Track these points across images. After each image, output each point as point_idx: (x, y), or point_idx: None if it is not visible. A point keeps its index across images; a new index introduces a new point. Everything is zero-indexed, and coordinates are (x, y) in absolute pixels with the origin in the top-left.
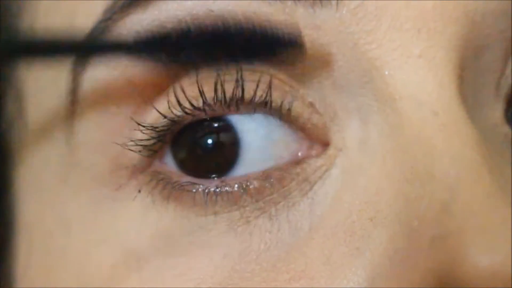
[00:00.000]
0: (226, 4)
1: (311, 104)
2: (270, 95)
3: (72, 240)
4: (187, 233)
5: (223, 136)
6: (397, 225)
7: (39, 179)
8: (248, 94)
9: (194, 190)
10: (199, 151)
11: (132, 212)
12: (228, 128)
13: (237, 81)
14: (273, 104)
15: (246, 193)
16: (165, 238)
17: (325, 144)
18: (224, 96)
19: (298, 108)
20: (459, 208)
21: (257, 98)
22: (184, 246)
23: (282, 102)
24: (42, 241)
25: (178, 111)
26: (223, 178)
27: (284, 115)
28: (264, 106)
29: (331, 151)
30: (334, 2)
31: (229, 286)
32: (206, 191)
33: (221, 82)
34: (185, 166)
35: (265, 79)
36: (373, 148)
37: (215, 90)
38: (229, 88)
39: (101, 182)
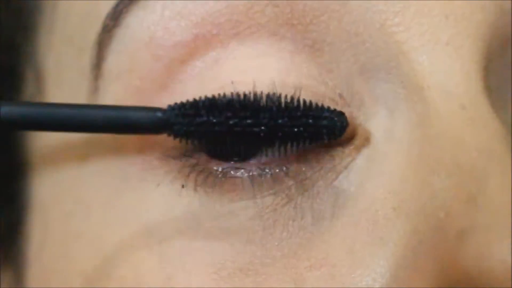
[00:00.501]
0: None
1: (340, 96)
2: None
3: (91, 221)
4: (213, 217)
5: None
6: (421, 216)
7: (57, 158)
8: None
9: (239, 175)
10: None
11: (160, 195)
12: None
13: None
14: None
15: (287, 175)
16: (190, 221)
17: (352, 134)
18: None
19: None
20: (487, 201)
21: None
22: (207, 231)
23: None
24: (58, 222)
25: None
26: (262, 160)
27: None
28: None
29: (357, 141)
30: None
31: (250, 272)
32: (251, 174)
33: None
34: (216, 151)
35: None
36: (399, 137)
37: None
38: None
39: (129, 161)
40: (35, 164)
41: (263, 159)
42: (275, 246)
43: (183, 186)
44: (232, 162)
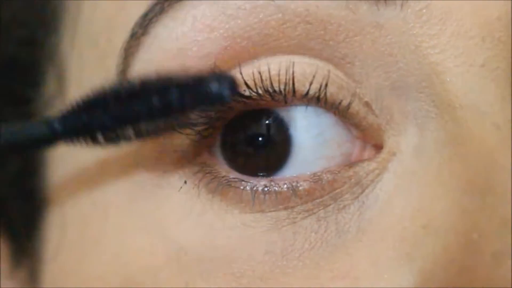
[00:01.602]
0: None
1: (367, 104)
2: (326, 88)
3: (108, 226)
4: (228, 228)
5: (275, 134)
6: (452, 235)
7: (77, 159)
8: (302, 86)
9: (241, 188)
10: (250, 147)
11: (175, 201)
12: (280, 125)
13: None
14: (328, 99)
15: (295, 194)
16: (207, 230)
17: (379, 147)
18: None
19: (354, 105)
20: None
21: (312, 91)
22: (225, 240)
23: (338, 98)
24: (76, 224)
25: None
26: (272, 177)
27: (339, 112)
28: (318, 101)
29: (384, 154)
30: (399, 2)
31: (270, 281)
32: (254, 189)
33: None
34: (234, 161)
35: (322, 72)
36: (429, 155)
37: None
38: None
39: (145, 167)
40: (54, 163)
41: (288, 174)
42: (296, 257)
43: (198, 195)
44: (257, 177)
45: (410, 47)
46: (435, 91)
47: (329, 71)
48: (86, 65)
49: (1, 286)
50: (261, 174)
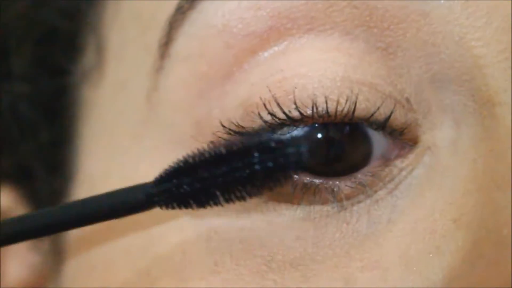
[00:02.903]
0: None
1: (407, 100)
2: (386, 122)
3: None
4: (261, 212)
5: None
6: (483, 231)
7: (110, 134)
8: (363, 116)
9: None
10: None
11: None
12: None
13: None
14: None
15: (334, 197)
16: (238, 213)
17: (414, 141)
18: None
19: (397, 114)
20: None
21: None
22: (257, 223)
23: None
24: None
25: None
26: (314, 176)
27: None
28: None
29: (419, 149)
30: None
31: (300, 266)
32: (296, 182)
33: None
34: None
35: (385, 105)
36: (464, 150)
37: None
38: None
39: (179, 145)
40: (88, 135)
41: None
42: (327, 245)
43: None
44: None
45: (454, 38)
46: (476, 86)
47: (394, 104)
48: (127, 38)
49: (23, 259)
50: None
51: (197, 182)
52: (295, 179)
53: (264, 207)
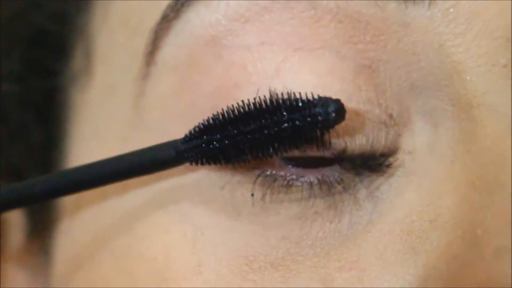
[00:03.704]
0: None
1: (391, 116)
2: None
3: (127, 199)
4: (250, 212)
5: None
6: (458, 231)
7: (98, 136)
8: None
9: (273, 176)
10: None
11: (195, 182)
12: None
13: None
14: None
15: (320, 190)
16: (229, 212)
17: (395, 148)
18: None
19: (381, 140)
20: None
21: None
22: (244, 224)
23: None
24: (92, 199)
25: None
26: (300, 168)
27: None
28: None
29: (399, 155)
30: (427, 1)
31: (280, 267)
32: (287, 179)
33: None
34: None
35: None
36: (442, 152)
37: None
38: None
39: None
40: (77, 138)
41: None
42: (309, 245)
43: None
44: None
45: (434, 46)
46: (454, 90)
47: (361, 99)
48: (115, 43)
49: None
50: (291, 164)
51: (226, 139)
52: (286, 175)
53: (255, 207)
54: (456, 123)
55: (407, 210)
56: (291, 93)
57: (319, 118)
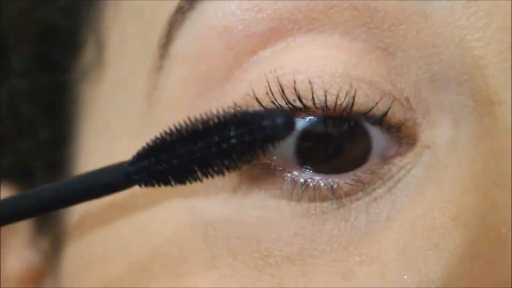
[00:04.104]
0: None
1: (407, 100)
2: (384, 117)
3: (136, 195)
4: (260, 208)
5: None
6: (481, 229)
7: (109, 131)
8: (361, 111)
9: (283, 177)
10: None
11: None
12: None
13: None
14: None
15: (333, 193)
16: (237, 209)
17: (413, 140)
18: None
19: (395, 110)
20: None
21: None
22: (254, 219)
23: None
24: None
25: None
26: (315, 172)
27: (378, 120)
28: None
29: (418, 147)
30: None
31: (297, 261)
32: (295, 179)
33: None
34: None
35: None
36: (463, 149)
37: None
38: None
39: None
40: (88, 132)
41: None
42: (325, 241)
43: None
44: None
45: (454, 39)
46: (475, 85)
47: (392, 101)
48: (127, 36)
49: (21, 256)
50: (306, 167)
51: (174, 159)
52: (295, 176)
53: (264, 203)
54: (477, 120)
55: (428, 206)
56: (238, 108)
57: (268, 131)
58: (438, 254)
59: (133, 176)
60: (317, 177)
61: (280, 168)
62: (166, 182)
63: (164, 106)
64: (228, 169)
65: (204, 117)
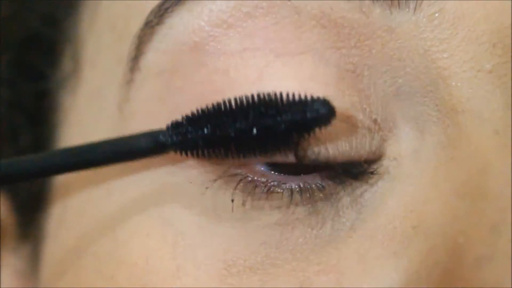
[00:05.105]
0: None
1: (375, 121)
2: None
3: (110, 202)
4: (231, 218)
5: None
6: (440, 238)
7: (85, 140)
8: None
9: (249, 179)
10: None
11: (179, 188)
12: None
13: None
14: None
15: (301, 197)
16: (210, 217)
17: (380, 154)
18: None
19: (366, 146)
20: (509, 231)
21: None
22: (225, 229)
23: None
24: (77, 201)
25: None
26: (283, 175)
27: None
28: None
29: (385, 161)
30: (412, 5)
31: (259, 271)
32: (268, 186)
33: None
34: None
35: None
36: (426, 158)
37: None
38: None
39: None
40: (65, 141)
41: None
42: (289, 250)
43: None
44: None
45: (419, 51)
46: (439, 96)
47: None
48: (102, 47)
49: (2, 260)
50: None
51: (213, 131)
52: (267, 178)
53: (236, 212)
54: (441, 129)
55: (390, 216)
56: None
57: (320, 112)
58: (396, 261)
59: (171, 138)
60: (289, 179)
61: (251, 176)
62: (199, 153)
63: (139, 118)
64: (261, 152)
65: (249, 96)
